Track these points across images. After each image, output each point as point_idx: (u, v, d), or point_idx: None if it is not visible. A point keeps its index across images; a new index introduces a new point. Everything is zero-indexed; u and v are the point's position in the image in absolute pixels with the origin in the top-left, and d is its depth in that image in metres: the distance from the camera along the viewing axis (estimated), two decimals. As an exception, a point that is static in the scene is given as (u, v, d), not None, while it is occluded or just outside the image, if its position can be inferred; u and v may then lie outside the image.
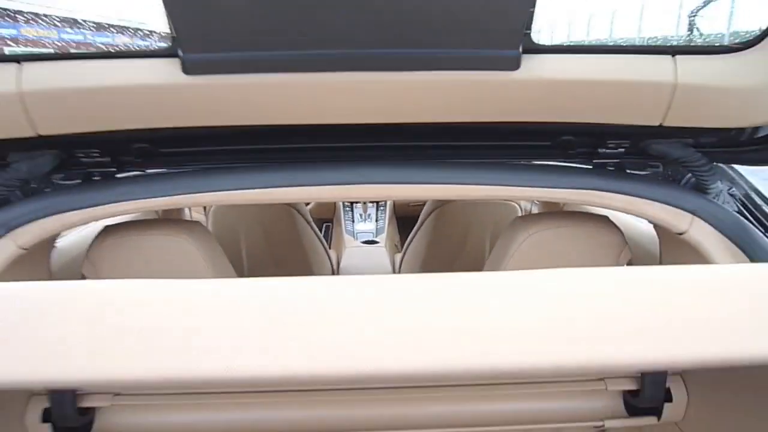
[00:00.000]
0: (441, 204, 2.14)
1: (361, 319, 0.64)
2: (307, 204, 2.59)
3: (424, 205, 2.31)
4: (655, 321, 0.64)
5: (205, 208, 2.17)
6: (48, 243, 1.30)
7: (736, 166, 1.18)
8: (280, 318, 0.65)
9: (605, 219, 1.31)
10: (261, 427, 1.10)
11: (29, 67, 0.92)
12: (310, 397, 1.06)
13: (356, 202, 2.95)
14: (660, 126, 1.01)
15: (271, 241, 2.08)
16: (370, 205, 2.94)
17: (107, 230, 1.26)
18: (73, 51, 1.05)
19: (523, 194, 1.15)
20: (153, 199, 1.14)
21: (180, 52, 0.90)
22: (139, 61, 0.94)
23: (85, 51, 1.13)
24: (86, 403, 1.11)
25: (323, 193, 1.14)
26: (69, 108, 0.97)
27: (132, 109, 0.99)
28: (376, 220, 2.87)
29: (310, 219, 2.27)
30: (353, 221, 2.86)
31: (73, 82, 0.94)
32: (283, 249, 2.08)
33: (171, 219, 1.72)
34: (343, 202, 2.94)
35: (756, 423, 0.93)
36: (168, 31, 0.88)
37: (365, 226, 2.83)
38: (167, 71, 0.93)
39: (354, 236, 2.79)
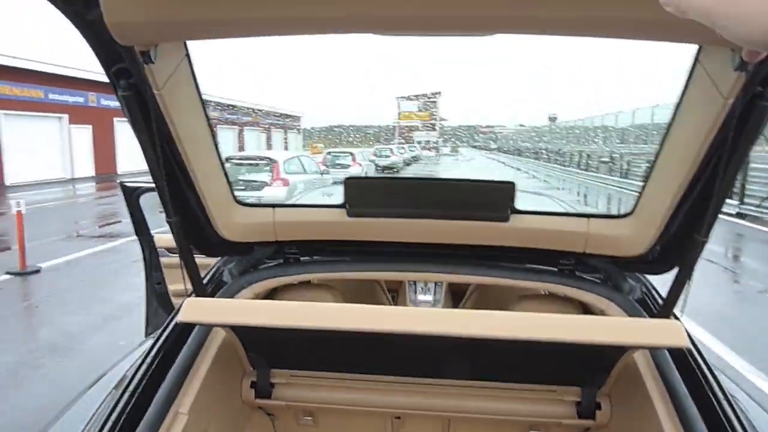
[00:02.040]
0: (480, 285, 3.05)
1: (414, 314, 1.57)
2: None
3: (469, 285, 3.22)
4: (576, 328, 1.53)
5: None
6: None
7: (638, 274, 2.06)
8: (372, 313, 1.59)
9: (571, 299, 2.21)
10: (374, 404, 2.03)
11: (278, 210, 2.00)
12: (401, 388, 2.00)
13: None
14: (584, 253, 1.93)
15: (357, 302, 3.05)
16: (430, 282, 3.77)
17: (278, 289, 2.29)
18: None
19: (517, 284, 2.08)
20: (316, 274, 2.17)
21: (347, 207, 1.95)
22: (326, 209, 1.99)
23: (301, 203, 2.22)
24: (273, 380, 2.10)
25: (403, 276, 2.14)
26: (291, 227, 2.03)
27: (319, 232, 2.04)
28: (434, 294, 3.62)
29: (385, 289, 3.24)
30: (416, 293, 3.58)
31: (295, 219, 2.01)
32: None
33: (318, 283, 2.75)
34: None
35: (647, 422, 1.70)
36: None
37: (425, 297, 3.52)
38: (339, 214, 1.97)
39: (416, 305, 3.48)
